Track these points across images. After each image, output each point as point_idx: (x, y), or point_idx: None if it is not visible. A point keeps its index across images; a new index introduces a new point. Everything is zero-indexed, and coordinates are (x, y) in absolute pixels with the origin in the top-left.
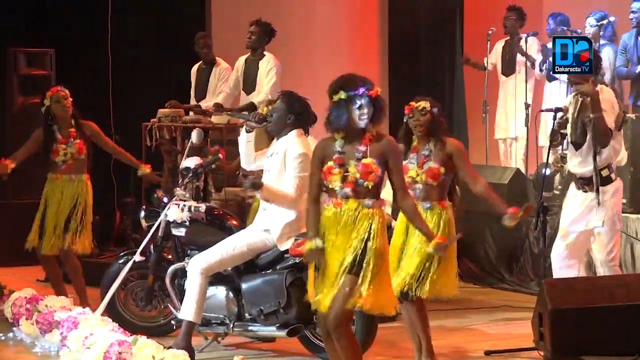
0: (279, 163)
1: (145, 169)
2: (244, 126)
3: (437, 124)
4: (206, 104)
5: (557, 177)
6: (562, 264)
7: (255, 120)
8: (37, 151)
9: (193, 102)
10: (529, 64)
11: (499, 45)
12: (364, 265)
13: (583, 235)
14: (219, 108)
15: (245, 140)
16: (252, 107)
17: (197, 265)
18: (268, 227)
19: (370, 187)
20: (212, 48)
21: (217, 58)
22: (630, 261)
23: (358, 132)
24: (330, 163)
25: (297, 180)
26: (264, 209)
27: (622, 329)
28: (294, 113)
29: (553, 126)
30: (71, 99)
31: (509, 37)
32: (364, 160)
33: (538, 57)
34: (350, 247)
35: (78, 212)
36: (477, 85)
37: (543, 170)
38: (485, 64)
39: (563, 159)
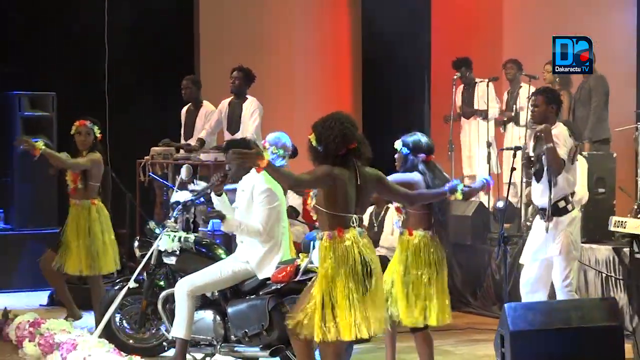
0: (247, 198)
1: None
2: (212, 193)
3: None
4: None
5: (531, 209)
6: (530, 290)
7: (219, 181)
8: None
9: (182, 140)
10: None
11: (459, 92)
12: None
13: (547, 262)
14: (202, 143)
15: (222, 203)
16: (202, 142)
17: (184, 287)
18: (247, 258)
19: (315, 218)
20: (194, 90)
21: (204, 101)
22: (584, 286)
23: None
24: None
25: (265, 213)
26: (241, 242)
27: (578, 349)
28: None
29: (512, 164)
30: (99, 135)
31: (480, 82)
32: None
33: (496, 103)
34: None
35: (87, 236)
36: (444, 125)
37: (499, 204)
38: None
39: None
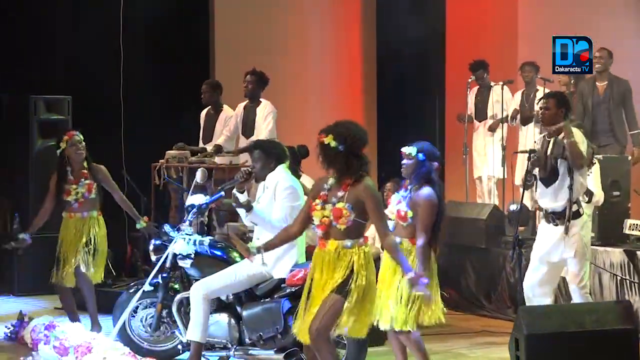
0: (270, 195)
1: (143, 222)
2: (234, 190)
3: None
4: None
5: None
6: (536, 293)
7: (243, 179)
8: (56, 198)
9: (201, 143)
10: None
11: (472, 94)
12: (348, 298)
13: (556, 265)
14: (218, 150)
15: (245, 200)
16: (218, 149)
17: (200, 290)
18: (264, 260)
19: (342, 229)
20: (213, 94)
21: (224, 105)
22: (598, 290)
23: (340, 176)
24: (317, 200)
25: (286, 210)
26: (258, 239)
27: (593, 352)
28: (274, 157)
29: (527, 167)
30: (84, 143)
31: (488, 86)
32: (337, 205)
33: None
34: (334, 282)
35: (90, 246)
36: (458, 128)
37: (513, 207)
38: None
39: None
